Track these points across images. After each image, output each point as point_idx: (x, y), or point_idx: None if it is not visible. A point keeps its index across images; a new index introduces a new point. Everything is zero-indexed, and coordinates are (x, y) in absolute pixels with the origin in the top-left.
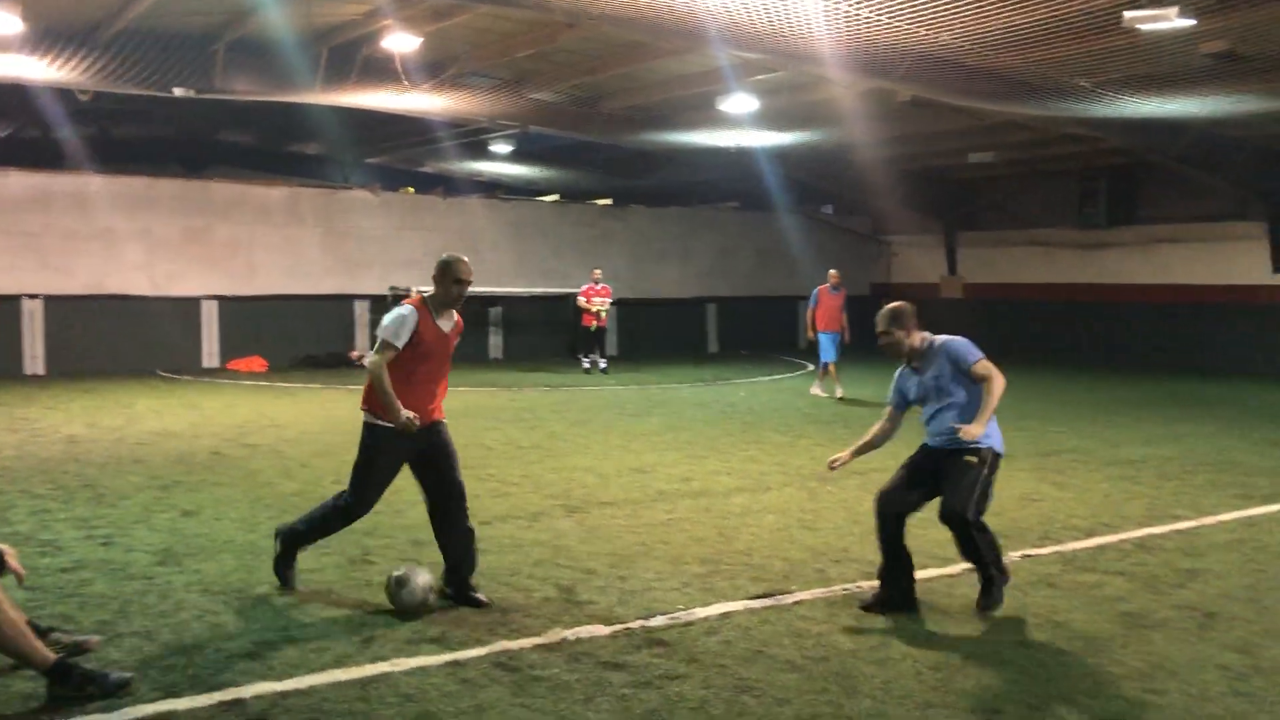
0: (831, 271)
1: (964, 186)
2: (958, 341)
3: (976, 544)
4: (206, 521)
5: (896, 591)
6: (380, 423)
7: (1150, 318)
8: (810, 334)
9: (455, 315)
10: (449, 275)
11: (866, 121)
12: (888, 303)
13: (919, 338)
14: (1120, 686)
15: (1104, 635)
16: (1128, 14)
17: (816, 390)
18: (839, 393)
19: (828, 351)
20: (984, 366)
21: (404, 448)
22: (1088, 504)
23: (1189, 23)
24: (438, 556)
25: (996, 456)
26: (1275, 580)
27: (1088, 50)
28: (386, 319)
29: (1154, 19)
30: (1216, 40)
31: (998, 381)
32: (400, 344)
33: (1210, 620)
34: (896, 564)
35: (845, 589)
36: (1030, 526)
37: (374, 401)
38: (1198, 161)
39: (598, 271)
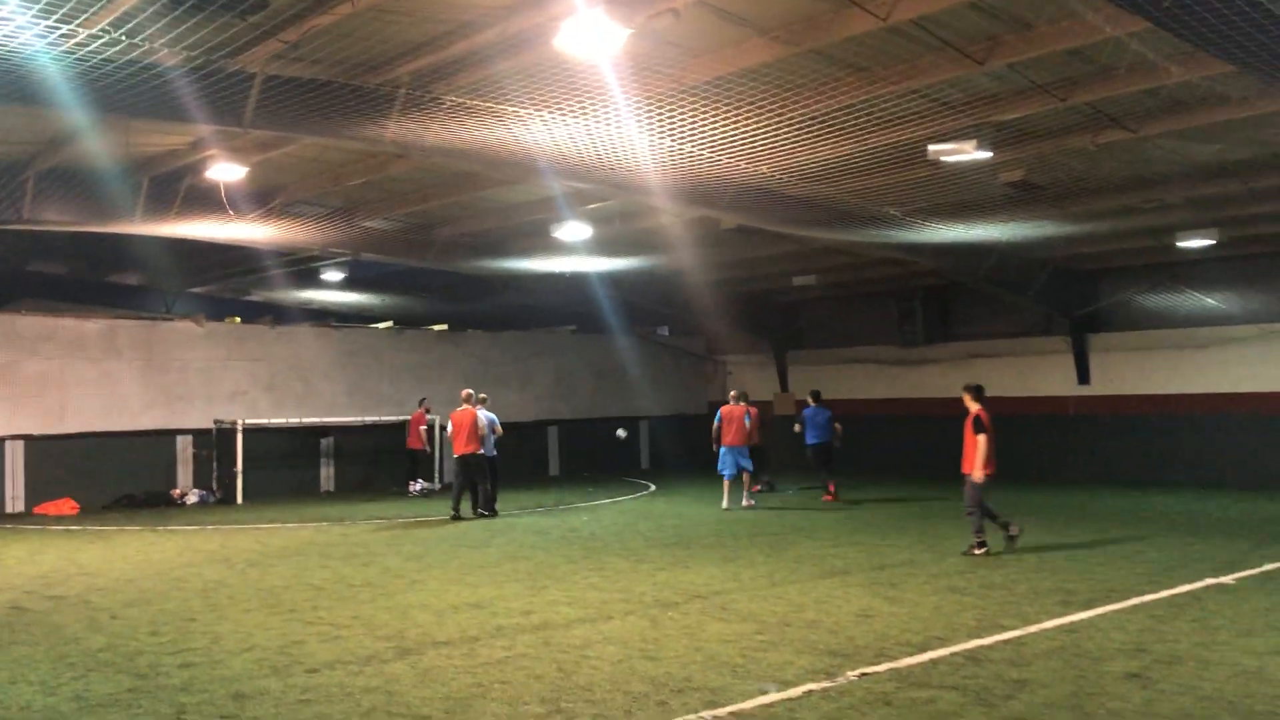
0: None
1: (790, 308)
2: None
3: None
4: (0, 686)
5: None
6: None
7: None
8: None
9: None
10: None
11: (695, 247)
12: None
13: None
14: None
15: None
16: (931, 147)
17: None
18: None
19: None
20: None
21: None
22: (919, 617)
23: (986, 155)
24: (260, 712)
25: None
26: (1095, 687)
27: (896, 181)
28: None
29: (955, 151)
30: (1013, 170)
31: None
32: None
33: None
34: None
35: None
36: (866, 644)
37: None
38: (1003, 282)
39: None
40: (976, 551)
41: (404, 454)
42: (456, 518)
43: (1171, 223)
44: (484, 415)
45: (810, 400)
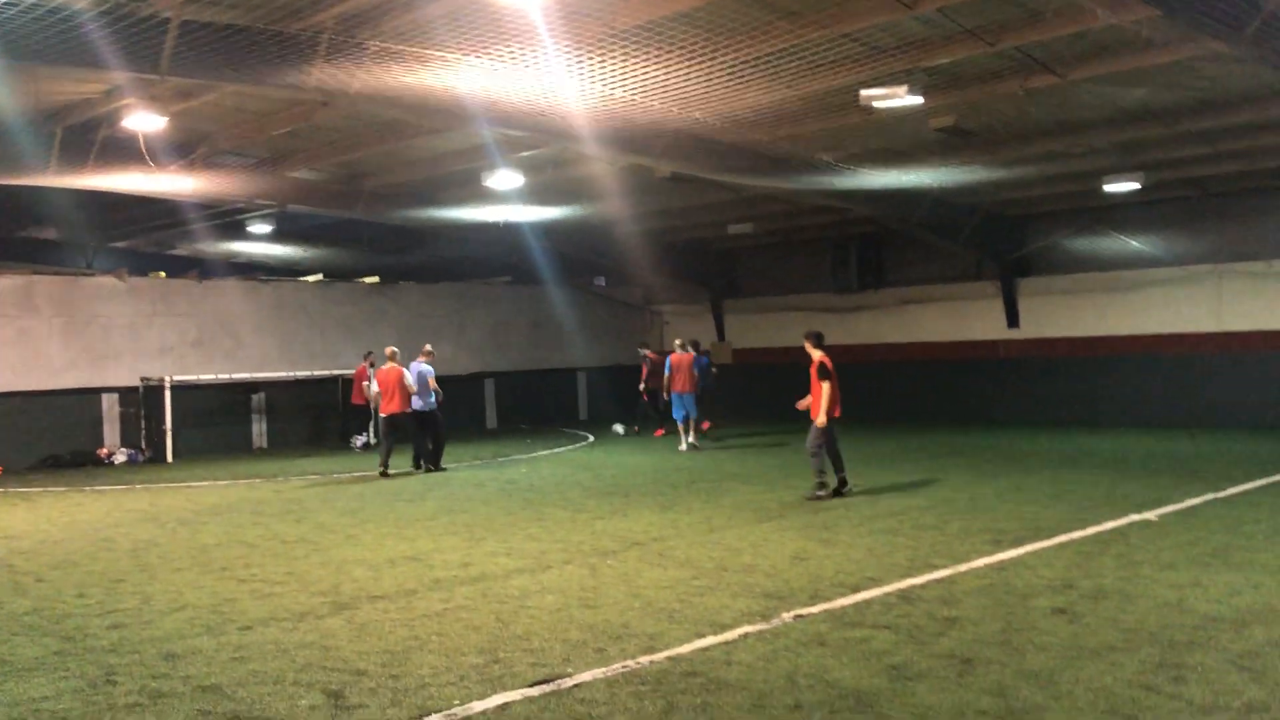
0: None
1: (726, 256)
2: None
3: None
4: None
5: None
6: None
7: (902, 373)
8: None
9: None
10: None
11: (629, 196)
12: None
13: None
14: None
15: (872, 690)
16: (864, 92)
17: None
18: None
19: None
20: None
21: None
22: (853, 559)
23: (918, 100)
24: (192, 671)
25: None
26: (1023, 622)
27: (830, 127)
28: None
29: (887, 97)
30: (944, 116)
31: None
32: None
33: (968, 666)
34: None
35: (625, 666)
36: (801, 586)
37: None
38: (935, 228)
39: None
40: (820, 494)
41: (344, 409)
42: (385, 474)
43: (1098, 167)
44: (416, 369)
45: (692, 349)
